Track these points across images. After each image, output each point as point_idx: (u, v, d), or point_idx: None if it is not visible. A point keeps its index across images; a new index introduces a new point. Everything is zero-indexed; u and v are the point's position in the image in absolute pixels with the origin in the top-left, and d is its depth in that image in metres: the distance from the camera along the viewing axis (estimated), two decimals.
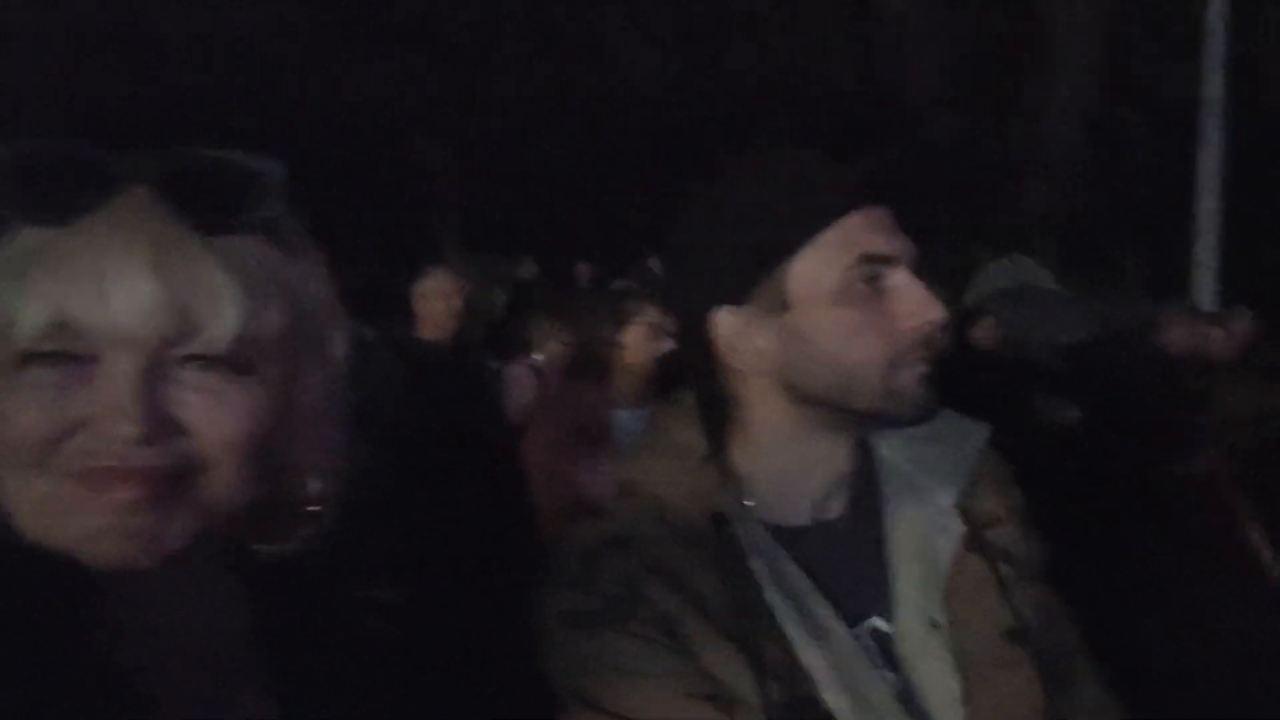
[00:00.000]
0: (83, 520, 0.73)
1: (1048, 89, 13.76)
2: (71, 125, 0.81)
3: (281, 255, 0.80)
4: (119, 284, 0.71)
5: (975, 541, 1.21)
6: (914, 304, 1.13)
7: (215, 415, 0.75)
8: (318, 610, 0.96)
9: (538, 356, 4.23)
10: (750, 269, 1.15)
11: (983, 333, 6.34)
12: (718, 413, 1.22)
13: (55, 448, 0.72)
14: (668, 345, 2.95)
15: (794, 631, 1.08)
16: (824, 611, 1.12)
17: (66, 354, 0.72)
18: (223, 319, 0.74)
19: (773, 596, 1.10)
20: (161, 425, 0.73)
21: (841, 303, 1.13)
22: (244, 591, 0.90)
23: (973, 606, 1.18)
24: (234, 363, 0.76)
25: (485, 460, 3.20)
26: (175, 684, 0.79)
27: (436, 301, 4.08)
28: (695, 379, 1.24)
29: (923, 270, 1.16)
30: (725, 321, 1.17)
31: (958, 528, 1.21)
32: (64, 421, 0.72)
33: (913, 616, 1.17)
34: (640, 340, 3.03)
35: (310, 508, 0.86)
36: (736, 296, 1.16)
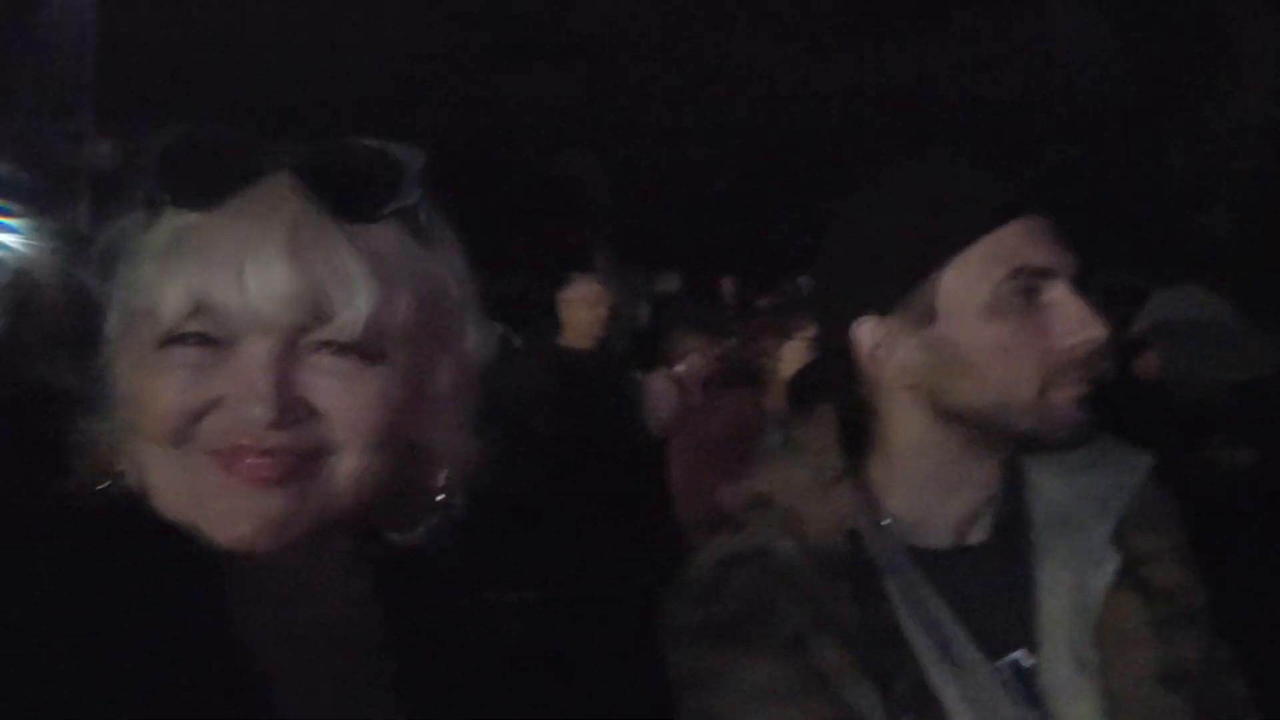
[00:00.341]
0: (214, 498, 0.74)
1: (1231, 109, 13.01)
2: (232, 116, 0.84)
3: (416, 244, 0.81)
4: (256, 270, 0.73)
5: (1132, 578, 1.13)
6: (1072, 320, 1.07)
7: (346, 401, 0.76)
8: (445, 605, 0.97)
9: (679, 368, 4.22)
10: (897, 279, 1.11)
11: (1147, 365, 6.01)
12: (858, 427, 1.18)
13: (192, 425, 0.74)
14: None
15: (928, 659, 1.03)
16: (962, 640, 1.07)
17: (206, 336, 0.74)
18: (355, 306, 0.75)
19: (907, 621, 1.05)
20: (293, 409, 0.74)
21: (994, 317, 1.07)
22: (374, 579, 0.91)
23: (1126, 647, 1.11)
24: (365, 350, 0.76)
25: (624, 469, 3.21)
26: (298, 667, 0.80)
27: (582, 309, 4.13)
28: (836, 392, 1.20)
29: (1085, 285, 1.10)
30: (869, 332, 1.13)
31: (1113, 562, 1.13)
32: (201, 400, 0.74)
33: (1059, 653, 1.10)
34: (799, 355, 2.98)
35: (438, 497, 0.87)
36: (882, 306, 1.12)
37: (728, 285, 8.97)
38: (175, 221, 0.77)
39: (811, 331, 2.98)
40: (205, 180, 0.76)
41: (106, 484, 0.79)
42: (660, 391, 4.10)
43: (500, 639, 1.03)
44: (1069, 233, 1.12)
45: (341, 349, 0.76)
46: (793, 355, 3.01)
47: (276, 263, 0.73)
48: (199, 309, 0.74)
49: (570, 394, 3.83)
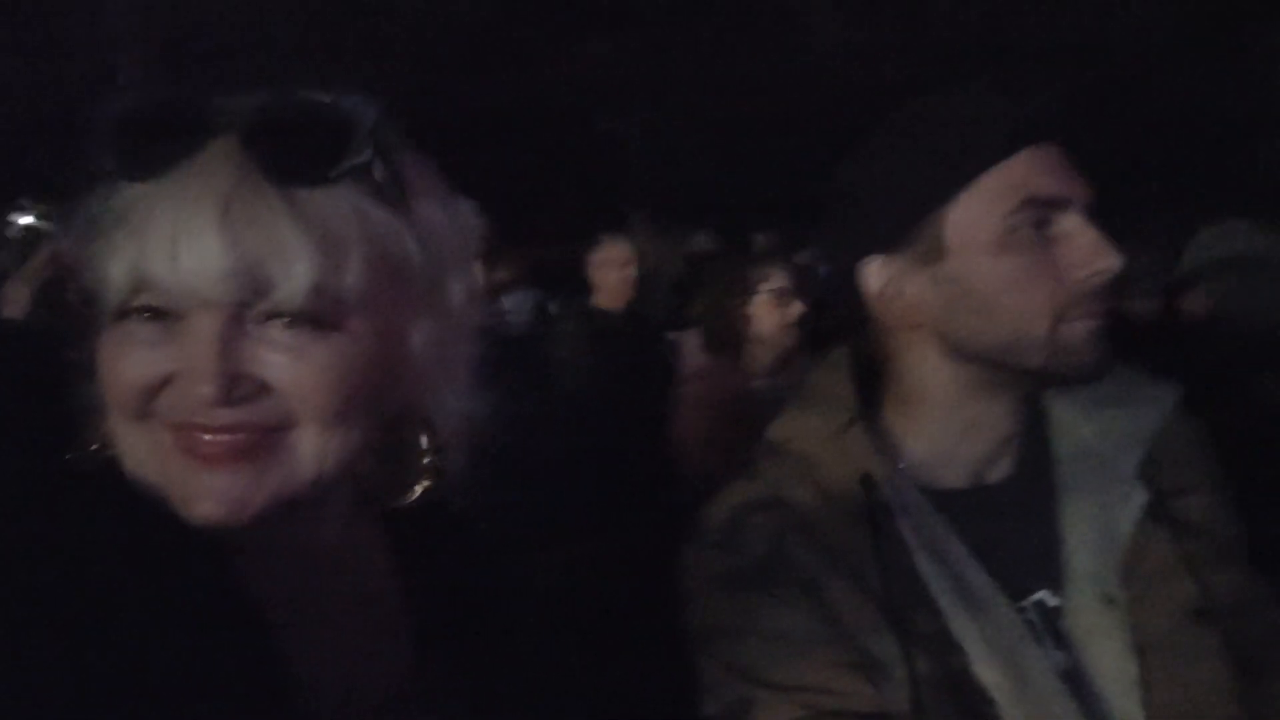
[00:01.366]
0: (176, 474, 0.74)
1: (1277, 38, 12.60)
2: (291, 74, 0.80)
3: (373, 204, 0.77)
4: (188, 243, 0.71)
5: (1160, 512, 1.10)
6: (1086, 251, 1.04)
7: (298, 373, 0.73)
8: (475, 566, 0.96)
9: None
10: (902, 215, 1.08)
11: (1193, 304, 5.87)
12: (870, 369, 1.16)
13: (150, 401, 0.74)
14: (797, 310, 2.84)
15: (946, 601, 1.01)
16: (982, 581, 1.05)
17: (155, 310, 0.73)
18: (294, 276, 0.72)
19: (924, 563, 1.03)
20: (241, 385, 0.72)
21: (1004, 250, 1.04)
22: (380, 544, 0.91)
23: (1155, 583, 1.08)
24: (316, 319, 0.73)
25: (654, 430, 3.20)
26: (313, 634, 0.80)
27: (611, 271, 4.10)
28: (847, 334, 1.18)
29: (1098, 214, 1.06)
30: (876, 271, 1.10)
31: (1140, 497, 1.10)
32: (154, 375, 0.73)
33: (1085, 591, 1.08)
34: (768, 308, 2.93)
35: (425, 459, 0.85)
36: (888, 245, 1.09)
37: (760, 241, 8.88)
38: (125, 193, 0.75)
39: (775, 283, 2.92)
40: (148, 148, 0.74)
41: (96, 447, 0.79)
42: (691, 349, 4.08)
43: (527, 603, 1.03)
44: (1093, 164, 1.08)
45: (291, 320, 0.73)
46: (760, 310, 2.95)
47: (208, 235, 0.71)
48: (140, 284, 0.73)
49: (603, 357, 3.82)
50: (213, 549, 0.76)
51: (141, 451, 0.75)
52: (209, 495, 0.73)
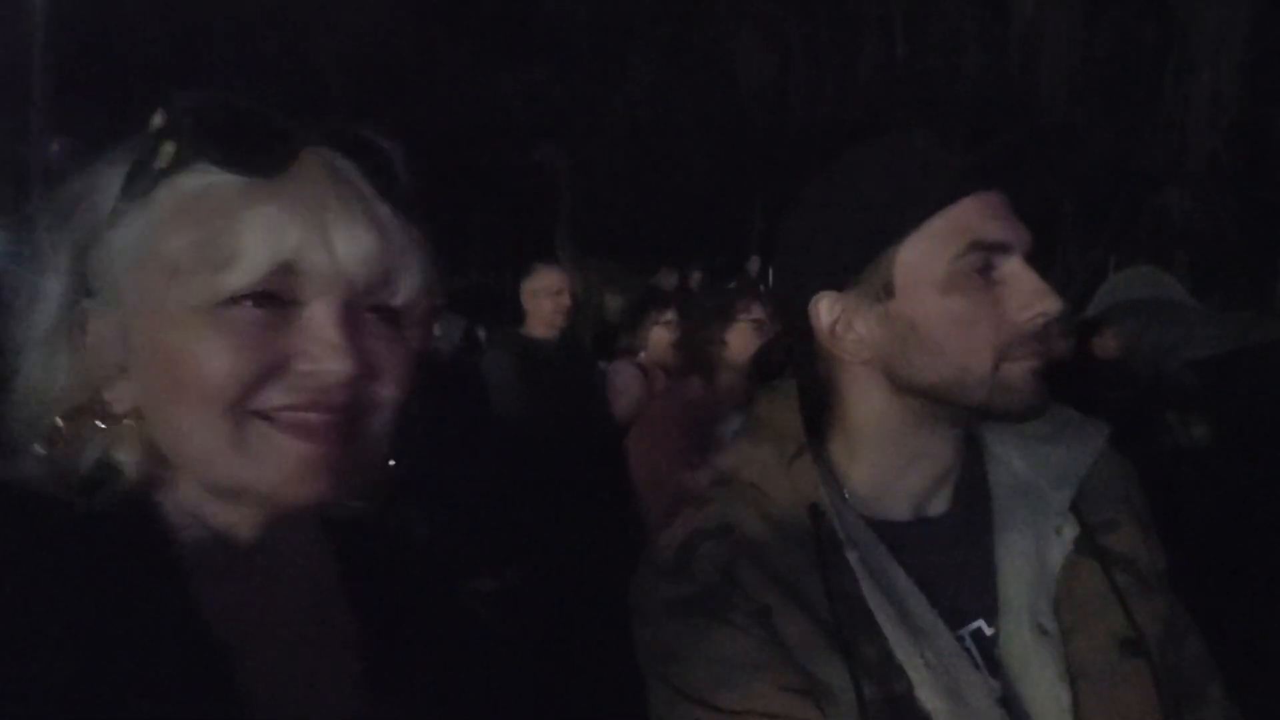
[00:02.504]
0: (275, 458, 0.75)
1: (1187, 93, 13.18)
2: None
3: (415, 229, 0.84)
4: (343, 231, 0.76)
5: (1090, 545, 1.15)
6: (1027, 295, 1.08)
7: (391, 363, 0.79)
8: (418, 591, 0.97)
9: (643, 354, 4.23)
10: (853, 254, 1.12)
11: (1105, 344, 6.09)
12: (818, 402, 1.19)
13: (253, 391, 0.74)
14: None
15: (891, 628, 1.04)
16: (923, 610, 1.08)
17: (273, 295, 0.75)
18: (413, 274, 0.80)
19: (870, 592, 1.06)
20: (361, 366, 0.76)
21: (949, 291, 1.08)
22: (346, 568, 0.91)
23: (1086, 614, 1.12)
24: (401, 318, 0.81)
25: (587, 456, 3.21)
26: (270, 655, 0.80)
27: (544, 299, 4.10)
28: (796, 367, 1.21)
29: (1039, 261, 1.11)
30: (827, 307, 1.14)
31: (1071, 531, 1.15)
32: (264, 364, 0.74)
33: (1019, 621, 1.11)
34: (745, 338, 2.99)
35: (390, 462, 0.87)
36: (839, 282, 1.13)
37: (695, 274, 8.96)
38: (205, 182, 0.76)
39: (755, 313, 3.00)
40: (257, 145, 0.76)
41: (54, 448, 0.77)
42: (624, 378, 4.10)
43: (473, 625, 1.04)
44: (1022, 208, 1.13)
45: (388, 314, 0.80)
46: (739, 339, 3.01)
47: (360, 225, 0.77)
48: (281, 268, 0.74)
49: (534, 384, 3.82)
50: (175, 565, 0.76)
51: (222, 443, 0.75)
52: (313, 473, 0.75)
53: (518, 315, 4.26)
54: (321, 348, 0.75)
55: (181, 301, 0.74)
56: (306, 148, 0.78)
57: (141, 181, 0.77)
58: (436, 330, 5.75)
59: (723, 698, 1.03)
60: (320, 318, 0.76)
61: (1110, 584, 1.14)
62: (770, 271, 1.24)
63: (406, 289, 0.80)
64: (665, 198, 14.66)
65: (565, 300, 4.13)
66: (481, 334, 6.01)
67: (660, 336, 4.17)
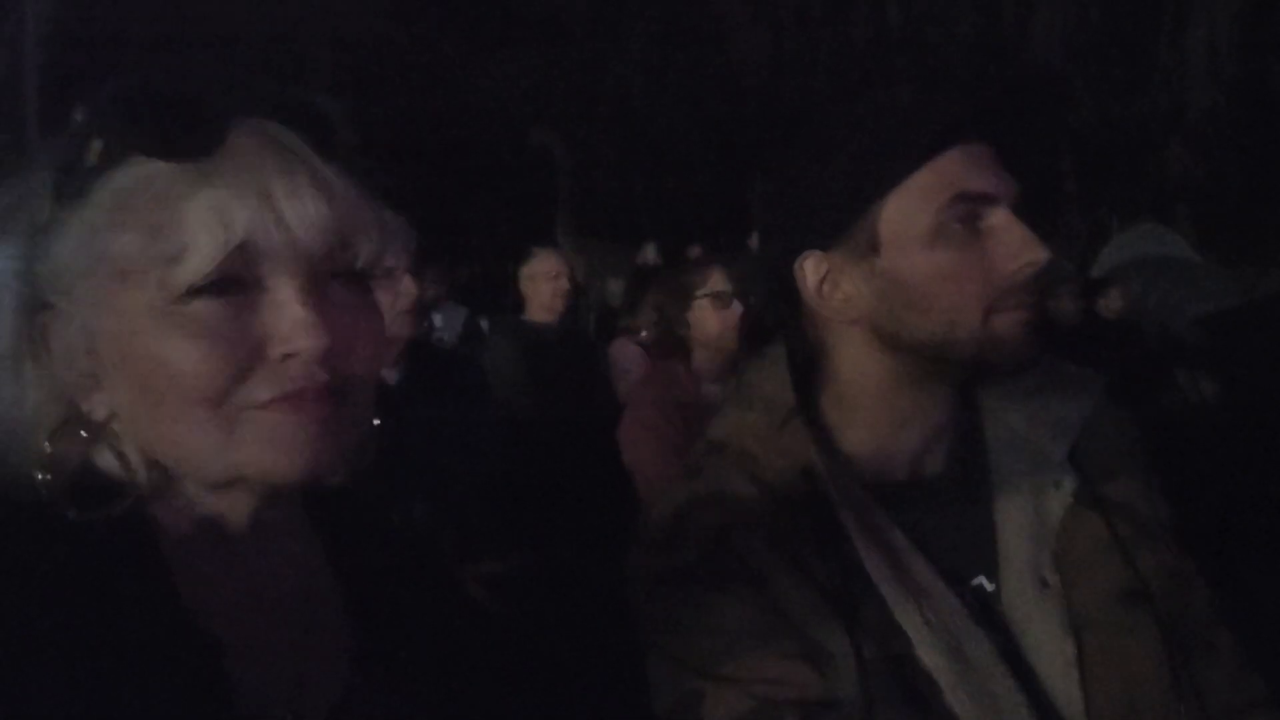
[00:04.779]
0: (267, 445, 0.74)
1: (1184, 46, 13.08)
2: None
3: (363, 184, 0.82)
4: (292, 202, 0.73)
5: (1090, 497, 1.13)
6: (1014, 245, 1.06)
7: (365, 328, 0.78)
8: (418, 578, 0.96)
9: (644, 334, 4.22)
10: (837, 211, 1.10)
11: (1111, 303, 6.06)
12: (807, 364, 1.17)
13: (234, 384, 0.73)
14: (737, 312, 2.86)
15: (888, 589, 1.03)
16: (921, 569, 1.06)
17: (236, 281, 0.73)
18: (370, 232, 0.78)
19: (867, 553, 1.05)
20: (334, 337, 0.74)
21: (936, 245, 1.06)
22: (310, 539, 0.90)
23: (1088, 566, 1.11)
24: (365, 280, 0.79)
25: (589, 439, 3.20)
26: (247, 636, 0.79)
27: (543, 283, 4.08)
28: (784, 330, 1.19)
29: (1036, 220, 1.09)
30: (812, 267, 1.12)
31: (1070, 482, 1.13)
32: (237, 354, 0.72)
33: (1020, 576, 1.10)
34: (707, 312, 2.95)
35: (375, 421, 0.86)
36: (823, 240, 1.11)
37: (694, 252, 8.95)
38: (139, 174, 0.72)
39: (714, 285, 2.95)
40: (187, 126, 0.73)
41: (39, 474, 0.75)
42: (626, 358, 4.09)
43: (469, 609, 1.03)
44: (1016, 164, 1.11)
45: (353, 277, 0.78)
46: (701, 315, 2.97)
47: (308, 192, 0.74)
48: (237, 250, 0.72)
49: (536, 370, 3.81)
50: (155, 551, 0.75)
51: (212, 438, 0.73)
52: (307, 451, 0.74)
53: (519, 302, 4.25)
54: (292, 327, 0.73)
55: (139, 302, 0.72)
56: (239, 120, 0.75)
57: (74, 183, 0.74)
58: (438, 321, 5.76)
59: (722, 667, 1.02)
60: (285, 296, 0.73)
61: (1112, 534, 1.12)
62: (757, 232, 1.22)
63: (366, 249, 0.78)
64: (663, 177, 14.62)
65: (564, 284, 4.11)
66: (484, 323, 6.01)
67: (647, 316, 4.16)
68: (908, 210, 1.07)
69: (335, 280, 0.77)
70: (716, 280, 2.95)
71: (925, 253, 1.07)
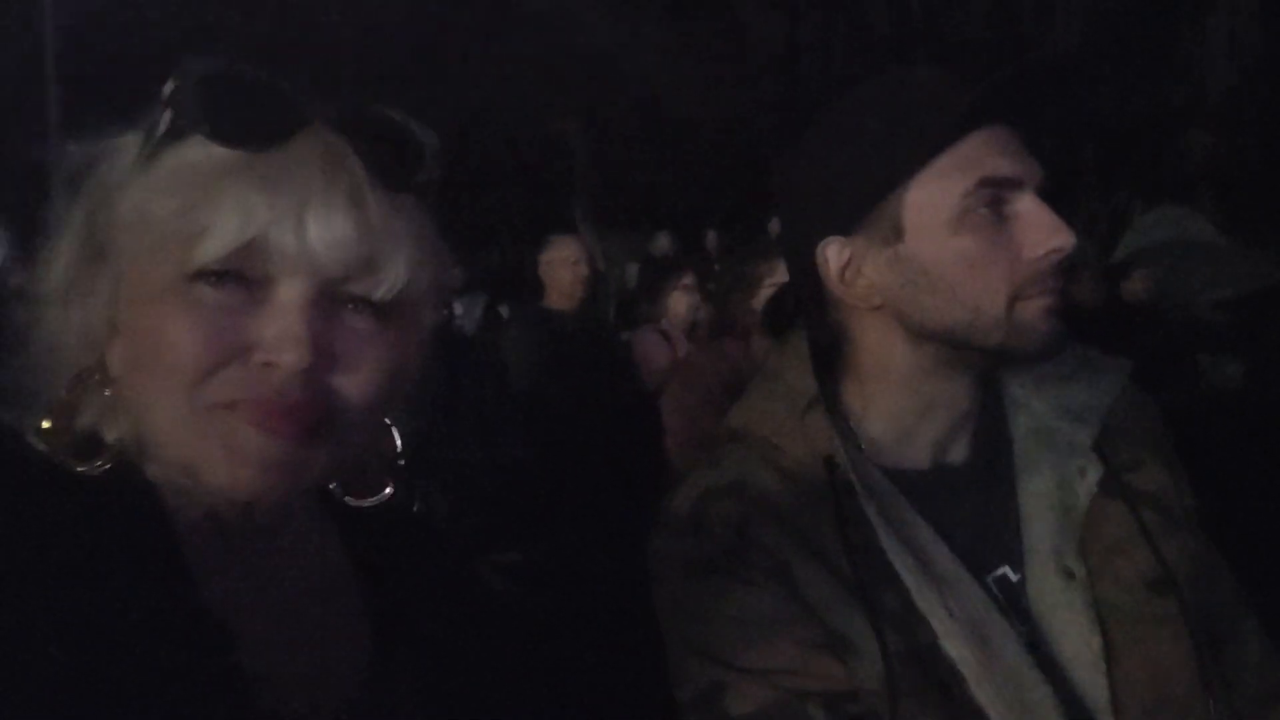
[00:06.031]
0: (225, 447, 0.73)
1: (1208, 27, 12.93)
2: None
3: (432, 220, 0.81)
4: (318, 214, 0.73)
5: (1115, 485, 1.12)
6: (1040, 230, 1.05)
7: (365, 359, 0.76)
8: (437, 569, 0.96)
9: (665, 323, 4.21)
10: (859, 197, 1.08)
11: (1135, 287, 6.00)
12: (829, 351, 1.16)
13: (213, 374, 0.72)
14: None
15: (912, 579, 1.02)
16: (945, 559, 1.05)
17: (241, 275, 0.73)
18: (396, 267, 0.76)
19: (889, 543, 1.04)
20: (323, 359, 0.73)
21: (960, 231, 1.05)
22: (338, 543, 0.90)
23: (1113, 555, 1.10)
24: (387, 312, 0.77)
25: (608, 426, 3.20)
26: (262, 629, 0.78)
27: (562, 270, 4.08)
28: (806, 317, 1.18)
29: (1058, 204, 1.07)
30: (835, 253, 1.11)
31: (1095, 471, 1.12)
32: (227, 347, 0.72)
33: (1045, 566, 1.09)
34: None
35: (399, 461, 0.86)
36: (845, 226, 1.10)
37: (711, 238, 8.94)
38: (199, 153, 0.74)
39: (779, 276, 2.97)
40: (253, 118, 0.74)
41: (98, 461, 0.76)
42: (649, 346, 4.09)
43: (486, 602, 1.03)
44: (1039, 147, 1.10)
45: (368, 307, 0.76)
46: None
47: (340, 210, 0.73)
48: (249, 245, 0.72)
49: (554, 356, 3.80)
50: (174, 547, 0.75)
51: (181, 423, 0.73)
52: (265, 466, 0.73)
53: (538, 290, 4.24)
54: (281, 336, 0.72)
55: (159, 272, 0.73)
56: (307, 126, 0.76)
57: (148, 148, 0.76)
58: (458, 309, 5.77)
59: (744, 657, 1.02)
60: (285, 303, 0.73)
61: (1138, 523, 1.11)
62: (778, 218, 1.21)
63: (390, 282, 0.76)
64: (681, 163, 14.57)
65: (583, 270, 4.11)
66: (504, 311, 6.01)
67: (680, 300, 4.15)
68: (931, 195, 1.06)
69: (352, 305, 0.76)
70: (781, 272, 2.97)
71: (949, 238, 1.05)
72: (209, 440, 0.73)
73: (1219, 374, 4.84)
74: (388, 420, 0.85)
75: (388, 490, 0.87)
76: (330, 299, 0.75)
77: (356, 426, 0.77)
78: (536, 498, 2.72)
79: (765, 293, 2.98)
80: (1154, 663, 1.06)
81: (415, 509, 1.01)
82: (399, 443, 0.86)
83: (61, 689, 0.66)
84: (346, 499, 0.86)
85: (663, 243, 9.33)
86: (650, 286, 4.55)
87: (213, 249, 0.71)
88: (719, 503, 1.10)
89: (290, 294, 0.73)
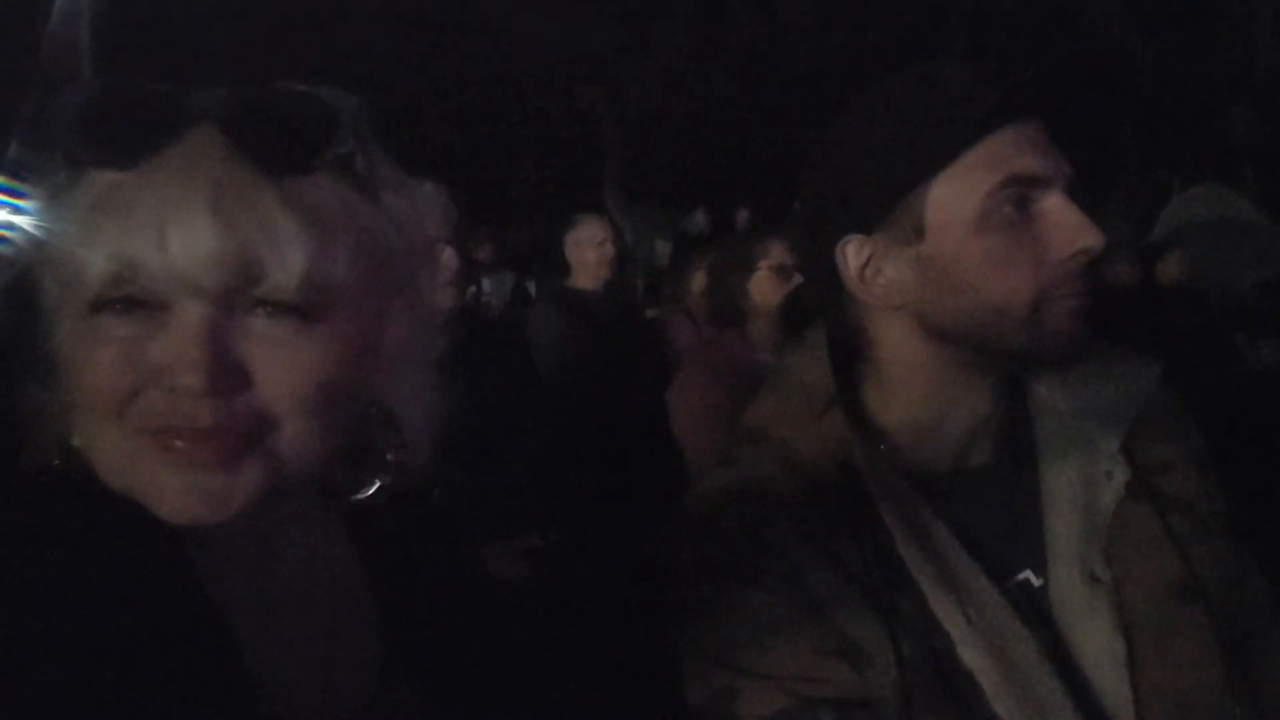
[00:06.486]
0: (153, 476, 0.71)
1: (1251, 2, 12.63)
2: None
3: (358, 195, 0.76)
4: (178, 229, 0.69)
5: (1142, 489, 1.09)
6: (1068, 230, 1.02)
7: (284, 367, 0.71)
8: (426, 562, 0.94)
9: (687, 301, 4.19)
10: (880, 194, 1.06)
11: (1172, 268, 5.90)
12: (848, 350, 1.14)
13: (129, 401, 0.70)
14: (798, 285, 2.84)
15: (928, 585, 1.00)
16: (964, 564, 1.03)
17: (137, 301, 0.70)
18: (287, 264, 0.70)
19: (906, 548, 1.02)
20: (228, 377, 0.70)
21: (985, 230, 1.02)
22: (345, 541, 0.89)
23: (1140, 561, 1.07)
24: (303, 310, 0.72)
25: (632, 408, 3.18)
26: (266, 632, 0.78)
27: (588, 250, 4.06)
28: (825, 315, 1.16)
29: (1096, 186, 1.04)
30: (855, 251, 1.08)
31: (1122, 474, 1.09)
32: (136, 374, 0.70)
33: (1069, 570, 1.07)
34: (769, 285, 2.92)
35: (389, 456, 0.83)
36: (867, 224, 1.07)
37: (742, 217, 8.86)
38: (99, 181, 0.72)
39: (775, 258, 2.93)
40: (124, 136, 0.71)
41: (56, 461, 0.75)
42: (675, 329, 4.06)
43: (495, 601, 1.01)
44: (1068, 134, 1.06)
45: (277, 310, 0.71)
46: (762, 287, 2.95)
47: (199, 220, 0.69)
48: (124, 272, 0.69)
49: (579, 337, 3.79)
50: (179, 552, 0.74)
51: (117, 452, 0.72)
52: (193, 494, 0.70)
53: (564, 269, 4.23)
54: (178, 360, 0.69)
55: (69, 305, 0.72)
56: (190, 131, 0.72)
57: (61, 182, 0.74)
58: (486, 286, 5.77)
59: (757, 662, 1.00)
60: (180, 325, 0.69)
61: (1165, 528, 1.08)
62: (798, 214, 1.19)
63: (286, 278, 0.70)
64: (711, 140, 14.47)
65: (609, 250, 4.08)
66: (532, 288, 6.01)
67: (699, 283, 4.13)
68: (955, 193, 1.03)
69: (265, 311, 0.71)
70: (778, 253, 2.93)
71: (973, 238, 1.02)
72: (140, 469, 0.71)
73: (1257, 357, 4.75)
74: (391, 410, 0.82)
75: (376, 484, 0.83)
76: (236, 310, 0.71)
77: (297, 437, 0.72)
78: (559, 480, 2.71)
79: (761, 275, 2.95)
80: (1180, 670, 1.04)
81: (435, 493, 0.99)
82: (388, 438, 0.83)
83: (66, 694, 0.66)
84: (343, 495, 0.84)
85: (699, 220, 9.25)
86: (680, 265, 4.51)
87: (93, 282, 0.70)
88: (733, 503, 1.08)
89: (184, 315, 0.69)
